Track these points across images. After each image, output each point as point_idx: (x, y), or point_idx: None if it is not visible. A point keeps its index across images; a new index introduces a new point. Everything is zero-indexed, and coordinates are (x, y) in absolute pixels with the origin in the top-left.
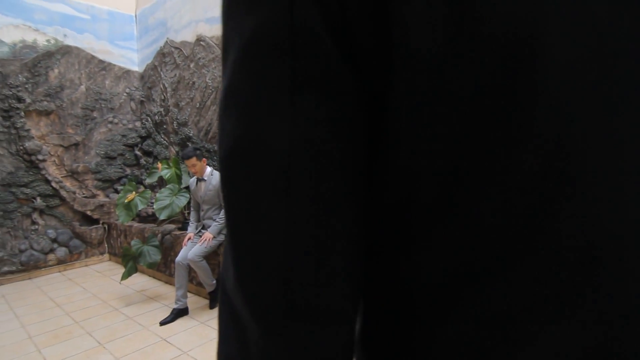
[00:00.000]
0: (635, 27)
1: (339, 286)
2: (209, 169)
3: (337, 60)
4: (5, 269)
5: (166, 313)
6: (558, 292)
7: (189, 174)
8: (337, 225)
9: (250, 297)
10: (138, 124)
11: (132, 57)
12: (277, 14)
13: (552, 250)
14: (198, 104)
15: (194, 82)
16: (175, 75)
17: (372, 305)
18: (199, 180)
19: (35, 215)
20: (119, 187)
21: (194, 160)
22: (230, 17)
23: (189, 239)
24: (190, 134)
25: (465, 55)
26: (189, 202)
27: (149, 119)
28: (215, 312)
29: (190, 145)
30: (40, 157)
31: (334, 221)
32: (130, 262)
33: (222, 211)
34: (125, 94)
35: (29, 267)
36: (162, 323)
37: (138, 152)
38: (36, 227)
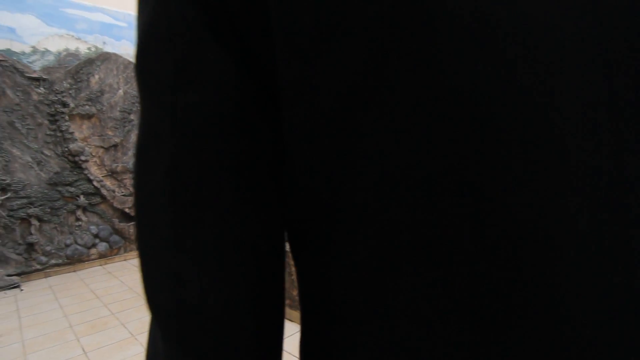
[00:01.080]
0: None
1: (227, 294)
2: None
3: (219, 54)
4: (53, 261)
5: None
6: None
7: None
8: (221, 224)
9: (147, 296)
10: None
11: None
12: (158, 10)
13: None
14: None
15: None
16: None
17: (303, 314)
18: None
19: (79, 212)
20: None
21: None
22: (137, 17)
23: None
24: None
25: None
26: None
27: None
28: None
29: None
30: (83, 157)
31: (219, 220)
32: None
33: None
34: None
35: (74, 260)
36: None
37: None
38: (80, 223)
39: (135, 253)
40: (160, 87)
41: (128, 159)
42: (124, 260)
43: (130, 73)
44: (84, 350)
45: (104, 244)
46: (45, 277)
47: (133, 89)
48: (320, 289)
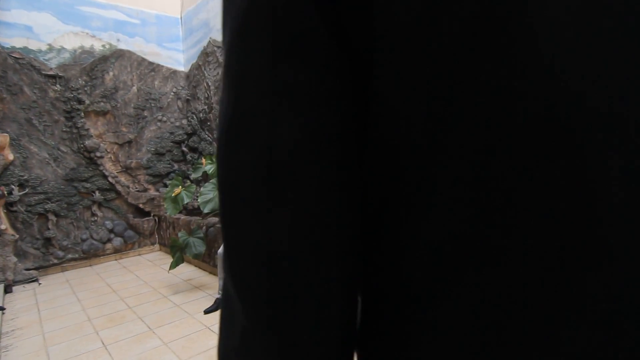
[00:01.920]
0: None
1: (329, 282)
2: None
3: (319, 31)
4: (70, 256)
5: (210, 302)
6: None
7: None
8: (324, 209)
9: (239, 286)
10: (184, 121)
11: (179, 57)
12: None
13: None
14: None
15: None
16: (218, 73)
17: (368, 299)
18: None
19: (94, 208)
20: (168, 182)
21: None
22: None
23: None
24: None
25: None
26: None
27: (194, 117)
28: None
29: None
30: (98, 154)
31: (321, 206)
32: (178, 253)
33: None
34: (172, 94)
35: (90, 254)
36: (206, 312)
37: (185, 149)
38: (95, 218)
39: (149, 248)
40: (262, 61)
41: (142, 155)
42: (138, 255)
43: (144, 70)
44: (103, 343)
45: (119, 239)
46: (62, 271)
47: (146, 85)
48: (395, 270)
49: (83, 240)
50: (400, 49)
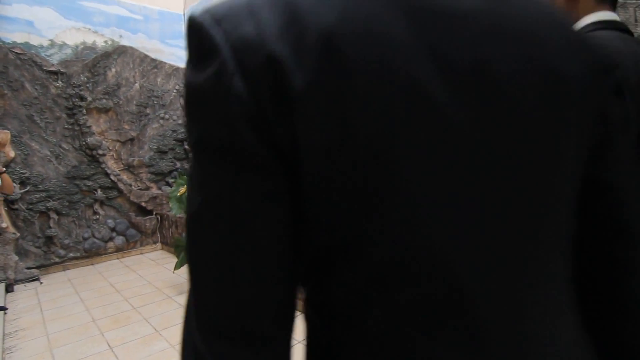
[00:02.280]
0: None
1: (263, 314)
2: None
3: (259, 151)
4: (71, 255)
5: None
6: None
7: None
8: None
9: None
10: None
11: (181, 54)
12: (215, 126)
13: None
14: None
15: None
16: None
17: (310, 323)
18: None
19: (96, 206)
20: (170, 180)
21: None
22: (186, 115)
23: None
24: None
25: (340, 156)
26: None
27: None
28: None
29: None
30: (100, 151)
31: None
32: (183, 253)
33: None
34: (175, 91)
35: (91, 253)
36: None
37: (187, 147)
38: (97, 216)
39: (151, 247)
40: (223, 169)
41: (144, 153)
42: (141, 254)
43: (147, 67)
44: (109, 345)
45: (121, 237)
46: (64, 270)
47: (149, 82)
48: (326, 303)
49: (85, 239)
50: (316, 169)
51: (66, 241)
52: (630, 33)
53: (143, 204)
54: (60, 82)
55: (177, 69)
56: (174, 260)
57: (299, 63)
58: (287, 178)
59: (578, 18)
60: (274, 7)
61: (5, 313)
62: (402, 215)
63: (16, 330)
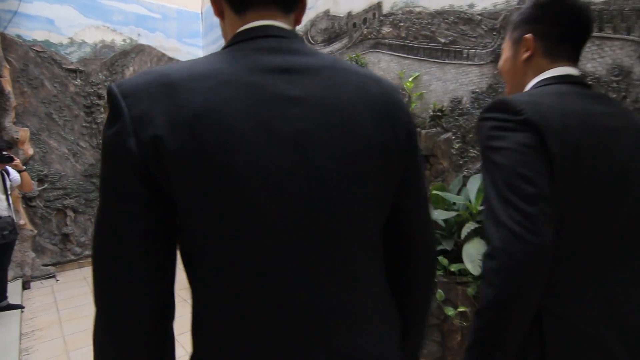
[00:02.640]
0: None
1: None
2: None
3: (139, 187)
4: (87, 252)
5: None
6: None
7: None
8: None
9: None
10: None
11: (198, 53)
12: (111, 167)
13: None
14: None
15: None
16: None
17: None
18: None
19: None
20: None
21: None
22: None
23: None
24: None
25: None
26: None
27: None
28: None
29: None
30: None
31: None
32: None
33: None
34: None
35: None
36: None
37: None
38: None
39: None
40: (112, 200)
41: None
42: None
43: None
44: None
45: None
46: (79, 267)
47: None
48: (193, 286)
49: None
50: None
51: (82, 239)
52: (587, 85)
53: None
54: (79, 80)
55: None
56: None
57: (173, 134)
58: (160, 202)
59: (535, 75)
60: (164, 92)
61: (22, 311)
62: (235, 228)
63: (33, 330)
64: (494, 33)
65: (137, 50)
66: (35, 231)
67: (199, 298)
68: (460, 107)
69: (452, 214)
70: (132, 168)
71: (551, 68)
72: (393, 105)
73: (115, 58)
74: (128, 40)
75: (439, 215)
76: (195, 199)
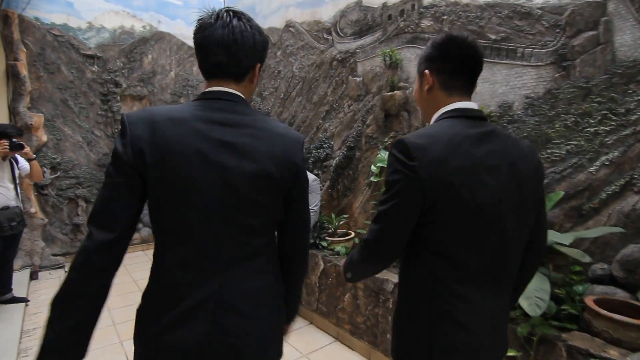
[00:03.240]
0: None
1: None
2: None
3: (132, 176)
4: None
5: None
6: None
7: None
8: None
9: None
10: None
11: None
12: (116, 165)
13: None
14: (282, 94)
15: (279, 71)
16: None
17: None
18: None
19: None
20: None
21: None
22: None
23: None
24: None
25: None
26: None
27: None
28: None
29: None
30: None
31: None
32: None
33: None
34: None
35: None
36: None
37: None
38: None
39: None
40: (110, 180)
41: None
42: None
43: (184, 55)
44: (127, 358)
45: (147, 229)
46: None
47: (184, 71)
48: (155, 241)
49: None
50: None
51: None
52: (481, 118)
53: None
54: (96, 66)
55: None
56: None
57: (150, 150)
58: (138, 185)
59: (438, 108)
60: (149, 124)
61: (26, 305)
62: (176, 208)
63: (35, 328)
64: (557, 30)
65: (157, 37)
66: (46, 220)
67: (156, 247)
68: (510, 114)
69: None
70: (127, 164)
71: (448, 101)
72: (291, 154)
73: (134, 45)
74: (148, 27)
75: None
76: (156, 189)
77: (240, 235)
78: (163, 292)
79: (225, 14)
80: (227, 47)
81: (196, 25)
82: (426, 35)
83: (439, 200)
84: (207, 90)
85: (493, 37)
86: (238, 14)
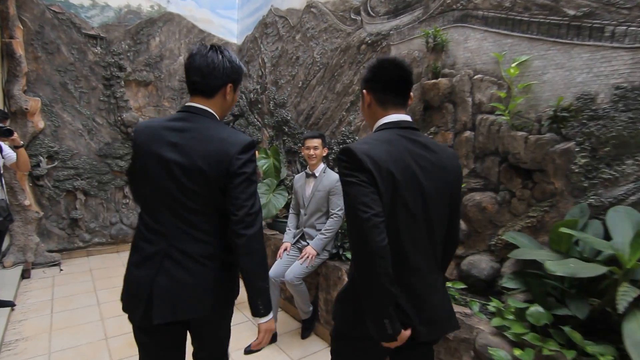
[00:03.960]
0: None
1: None
2: (322, 165)
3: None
4: (96, 240)
5: (251, 329)
6: None
7: (289, 164)
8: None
9: None
10: None
11: (232, 27)
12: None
13: None
14: (301, 82)
15: (297, 57)
16: (277, 48)
17: None
18: (309, 175)
19: (127, 189)
20: None
21: (317, 142)
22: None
23: (285, 249)
24: (288, 117)
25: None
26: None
27: (244, 97)
28: (308, 345)
29: (286, 129)
30: None
31: None
32: None
33: (330, 221)
34: None
35: (118, 240)
36: (247, 352)
37: None
38: (127, 201)
39: None
40: (132, 158)
41: None
42: None
43: (193, 39)
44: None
45: (118, 226)
46: (87, 255)
47: None
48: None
49: (112, 224)
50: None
51: (92, 225)
52: (413, 128)
53: None
54: (99, 48)
55: (225, 43)
56: None
57: (135, 150)
58: (135, 164)
59: (376, 119)
60: (137, 131)
61: (12, 309)
62: (143, 184)
63: (17, 340)
64: None
65: (166, 19)
66: (42, 213)
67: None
68: (593, 107)
69: (588, 267)
70: (134, 151)
71: (384, 115)
72: (224, 154)
73: (141, 26)
74: (156, 7)
75: (563, 268)
76: (138, 171)
77: (183, 212)
78: (135, 243)
79: (204, 48)
80: (201, 71)
81: (186, 55)
82: (480, 13)
83: (382, 191)
84: (185, 104)
85: (572, 12)
86: (215, 47)
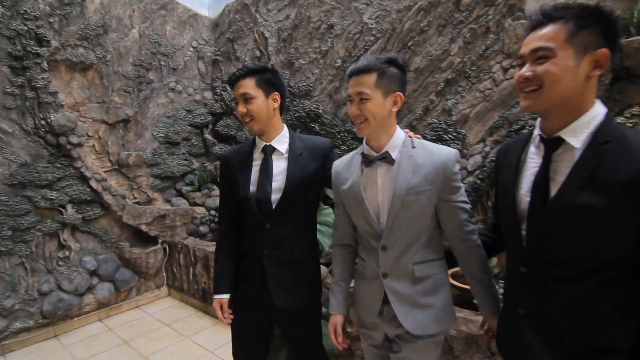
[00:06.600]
0: None
1: None
2: (399, 132)
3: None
4: (17, 325)
5: None
6: None
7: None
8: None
9: None
10: (208, 94)
11: (203, 10)
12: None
13: None
14: (339, 60)
15: (331, 26)
16: (286, 16)
17: None
18: (371, 160)
19: (64, 235)
20: (185, 189)
21: (371, 80)
22: None
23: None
24: (319, 110)
25: None
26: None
27: (226, 88)
28: None
29: (316, 127)
30: (72, 139)
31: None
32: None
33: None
34: (191, 49)
35: (55, 318)
36: None
37: (208, 136)
38: (66, 253)
39: (152, 294)
40: (224, 201)
41: (144, 144)
42: (137, 307)
43: (150, 5)
44: None
45: (107, 285)
46: (2, 354)
47: (153, 31)
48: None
49: (43, 294)
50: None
51: (7, 302)
52: None
53: (143, 228)
54: (1, 8)
55: (194, 15)
56: (195, 319)
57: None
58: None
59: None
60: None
61: None
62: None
63: None
64: None
65: None
66: None
67: None
68: None
69: None
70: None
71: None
72: None
73: None
74: None
75: None
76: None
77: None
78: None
79: (237, 70)
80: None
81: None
82: None
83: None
84: None
85: None
86: (243, 68)
